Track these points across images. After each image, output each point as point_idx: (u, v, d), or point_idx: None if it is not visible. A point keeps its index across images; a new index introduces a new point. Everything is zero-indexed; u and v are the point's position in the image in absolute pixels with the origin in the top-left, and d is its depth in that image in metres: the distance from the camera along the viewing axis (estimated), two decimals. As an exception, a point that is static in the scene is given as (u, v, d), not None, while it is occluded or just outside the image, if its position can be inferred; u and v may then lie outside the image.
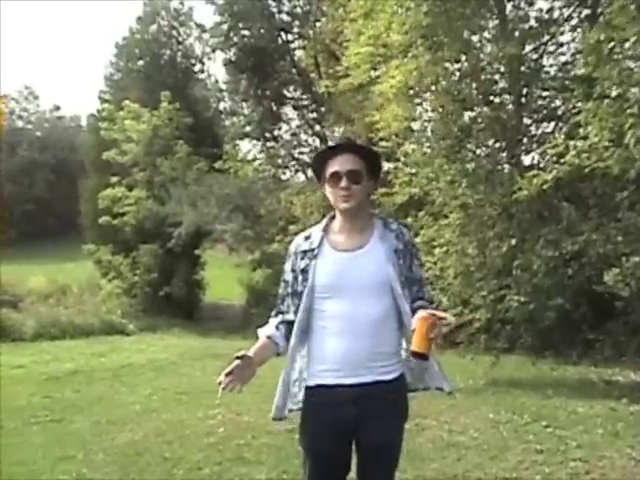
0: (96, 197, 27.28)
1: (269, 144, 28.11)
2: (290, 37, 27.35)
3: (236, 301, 29.11)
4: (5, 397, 10.30)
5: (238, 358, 3.20)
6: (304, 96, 27.81)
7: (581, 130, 9.46)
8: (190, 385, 11.08)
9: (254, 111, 27.53)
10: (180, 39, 33.37)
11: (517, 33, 12.19)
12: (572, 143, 9.39)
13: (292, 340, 3.43)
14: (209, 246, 28.18)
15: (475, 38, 12.72)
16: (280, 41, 26.83)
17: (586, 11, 12.55)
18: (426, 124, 13.89)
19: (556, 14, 12.87)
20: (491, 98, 12.76)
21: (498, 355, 11.28)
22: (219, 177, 25.04)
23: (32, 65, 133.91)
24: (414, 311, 3.32)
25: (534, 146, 12.97)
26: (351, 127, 20.26)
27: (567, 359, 11.83)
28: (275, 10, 26.48)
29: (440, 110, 12.77)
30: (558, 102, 12.90)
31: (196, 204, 24.02)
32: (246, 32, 26.16)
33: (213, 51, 28.84)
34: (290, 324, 3.46)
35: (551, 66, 13.12)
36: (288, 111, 28.68)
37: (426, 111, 14.01)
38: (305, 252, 3.46)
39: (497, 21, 12.60)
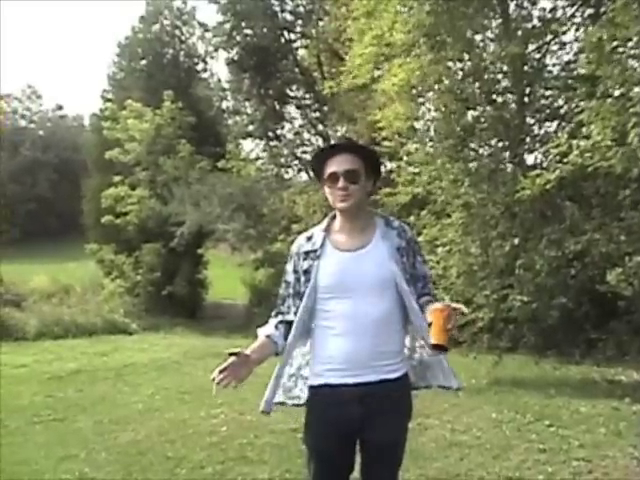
0: (99, 196, 27.23)
1: (272, 143, 28.07)
2: (293, 36, 27.31)
3: (239, 300, 29.12)
4: (8, 396, 10.32)
5: (232, 355, 3.20)
6: (307, 95, 27.79)
7: (584, 129, 9.46)
8: (193, 384, 11.07)
9: (257, 110, 27.51)
10: (183, 38, 33.35)
11: (520, 32, 12.16)
12: (575, 142, 9.38)
13: (290, 338, 3.43)
14: (212, 245, 28.16)
15: (478, 37, 12.71)
16: (283, 40, 26.79)
17: (589, 10, 12.52)
18: (429, 123, 13.88)
19: (559, 13, 12.84)
20: (494, 97, 12.75)
21: (501, 354, 11.27)
22: (222, 176, 25.00)
23: (35, 64, 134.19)
24: (421, 307, 3.35)
25: (537, 145, 12.95)
26: (354, 126, 20.26)
27: (570, 358, 11.81)
28: (278, 9, 26.45)
29: (443, 109, 12.77)
30: (561, 101, 12.88)
31: (199, 203, 23.99)
32: (249, 31, 26.11)
33: (216, 50, 28.81)
34: (289, 324, 3.46)
35: (554, 65, 13.10)
36: (291, 110, 28.67)
37: (429, 110, 14.04)
38: (307, 253, 3.46)
39: (500, 20, 12.58)
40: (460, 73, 12.72)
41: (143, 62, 32.09)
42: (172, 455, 6.96)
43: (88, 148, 34.60)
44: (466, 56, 12.42)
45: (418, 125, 13.95)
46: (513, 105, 12.77)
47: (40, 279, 27.90)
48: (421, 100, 13.54)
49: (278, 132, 28.15)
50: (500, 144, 12.91)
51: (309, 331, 3.48)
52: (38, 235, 52.17)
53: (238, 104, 29.27)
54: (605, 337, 11.81)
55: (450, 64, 12.38)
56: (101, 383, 11.66)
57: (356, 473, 3.51)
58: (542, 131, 13.22)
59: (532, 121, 13.20)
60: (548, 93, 13.05)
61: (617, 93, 9.30)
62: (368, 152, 3.55)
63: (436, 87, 12.67)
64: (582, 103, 9.99)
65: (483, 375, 10.63)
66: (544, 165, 11.61)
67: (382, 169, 3.76)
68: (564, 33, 12.85)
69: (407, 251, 3.45)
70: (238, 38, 26.18)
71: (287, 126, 28.46)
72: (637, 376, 10.44)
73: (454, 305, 3.15)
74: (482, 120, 12.64)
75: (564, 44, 12.98)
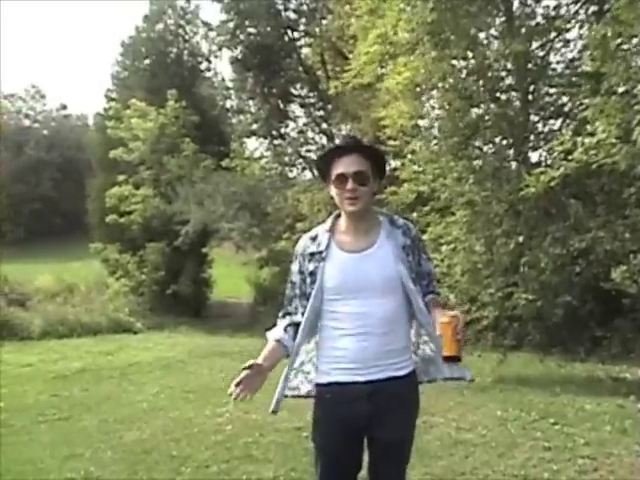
0: (103, 195, 27.25)
1: (276, 142, 28.05)
2: (296, 35, 27.28)
3: (243, 299, 29.13)
4: (13, 395, 10.33)
5: (246, 368, 3.21)
6: (311, 94, 27.76)
7: (588, 126, 9.45)
8: (197, 383, 11.09)
9: (261, 109, 27.49)
10: (186, 37, 33.32)
11: (524, 30, 12.17)
12: (579, 140, 9.37)
13: (298, 339, 3.43)
14: (216, 244, 28.10)
15: (482, 35, 12.72)
16: (286, 39, 26.76)
17: (593, 7, 12.51)
18: (433, 121, 13.89)
19: (563, 10, 12.84)
20: (498, 95, 12.76)
21: (505, 352, 11.28)
22: (226, 175, 24.99)
23: (39, 64, 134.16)
24: (427, 305, 3.38)
25: (541, 143, 12.95)
26: (358, 125, 20.26)
27: (575, 356, 11.81)
28: (281, 8, 26.41)
29: (447, 107, 12.78)
30: (565, 99, 12.89)
31: (203, 202, 23.98)
32: (252, 30, 26.10)
33: (219, 49, 28.77)
34: (298, 325, 3.46)
35: (558, 63, 13.12)
36: (295, 109, 28.63)
37: (433, 108, 14.04)
38: (313, 254, 3.45)
39: (504, 18, 12.58)
40: (464, 71, 12.71)
41: (147, 61, 32.07)
42: (177, 454, 6.97)
43: (92, 147, 34.62)
44: (470, 54, 12.42)
45: (422, 123, 13.96)
46: (517, 103, 12.77)
47: (45, 278, 27.87)
48: (425, 98, 13.53)
49: (282, 131, 28.13)
50: (504, 142, 12.91)
51: (315, 330, 3.48)
52: (42, 234, 52.13)
53: (242, 103, 29.25)
54: (610, 335, 11.80)
55: (454, 62, 12.39)
56: (106, 382, 11.66)
57: (363, 471, 3.51)
58: (546, 129, 13.24)
59: (536, 119, 13.22)
60: (552, 91, 13.06)
61: (622, 90, 9.30)
62: (375, 152, 3.53)
63: (440, 85, 12.67)
64: (586, 100, 10.00)
65: (488, 373, 10.63)
66: (548, 163, 11.61)
67: (387, 168, 3.74)
68: (568, 30, 12.86)
69: (412, 249, 3.45)
70: (242, 37, 26.17)
71: (291, 125, 28.45)
72: (642, 374, 10.44)
73: (457, 314, 3.17)
74: (486, 118, 12.64)
75: (568, 41, 13.00)
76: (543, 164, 11.76)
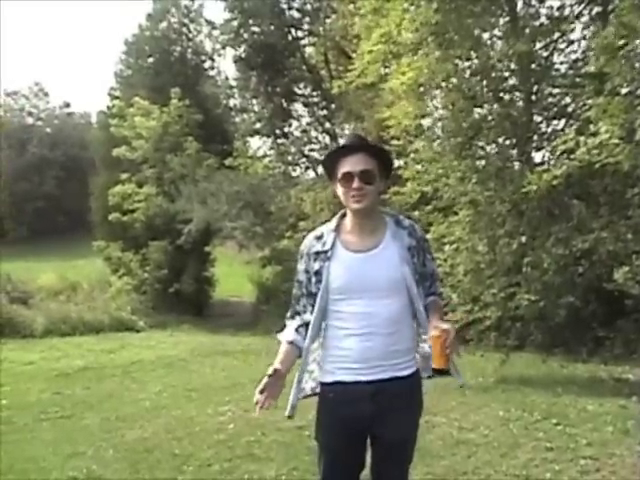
0: (106, 194, 27.28)
1: (279, 141, 28.03)
2: (300, 34, 27.29)
3: (246, 298, 29.13)
4: (15, 393, 10.36)
5: (270, 376, 3.22)
6: (314, 93, 27.75)
7: (591, 126, 9.45)
8: (200, 382, 11.11)
9: (264, 108, 27.47)
10: (190, 36, 33.34)
11: (527, 30, 12.15)
12: (582, 139, 9.37)
13: (307, 341, 3.44)
14: (219, 243, 28.11)
15: (486, 35, 12.70)
16: (290, 38, 26.76)
17: (597, 8, 12.51)
18: (436, 121, 13.87)
19: (567, 11, 12.83)
20: (501, 95, 12.74)
21: (508, 352, 11.27)
22: (229, 174, 24.99)
23: (42, 62, 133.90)
24: (426, 307, 3.40)
25: (544, 143, 12.94)
26: (361, 124, 20.27)
27: (577, 357, 11.82)
28: (285, 7, 26.43)
29: (450, 107, 12.76)
30: (568, 99, 12.87)
31: (206, 201, 23.99)
32: (256, 29, 26.11)
33: (223, 48, 28.82)
34: (308, 325, 3.46)
35: (561, 63, 13.11)
36: (298, 108, 28.59)
37: (436, 108, 14.02)
38: (318, 253, 3.44)
39: (507, 18, 12.57)
40: (468, 71, 12.70)
41: (150, 60, 32.07)
42: (179, 452, 6.98)
43: (95, 146, 34.61)
44: (474, 54, 12.41)
45: (425, 123, 13.95)
46: (520, 103, 12.76)
47: (47, 277, 27.93)
48: (428, 98, 13.52)
49: (285, 130, 28.11)
50: (507, 142, 12.89)
51: (320, 330, 3.48)
52: (45, 233, 52.08)
53: (245, 102, 29.25)
54: (612, 335, 11.80)
55: (458, 62, 12.37)
56: (108, 380, 11.69)
57: (367, 471, 3.52)
58: (549, 129, 13.22)
59: (539, 119, 13.20)
60: (556, 91, 13.05)
61: (625, 90, 9.30)
62: (381, 151, 3.54)
63: (444, 85, 12.66)
64: (590, 101, 9.99)
65: (490, 373, 10.64)
66: (551, 163, 11.60)
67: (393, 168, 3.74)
68: (572, 31, 12.86)
69: (417, 250, 3.45)
70: (245, 36, 26.19)
71: (294, 124, 28.41)
72: (644, 374, 10.43)
73: (449, 328, 3.18)
74: (489, 118, 12.62)
75: (572, 42, 12.98)
76: (547, 164, 11.75)
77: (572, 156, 9.62)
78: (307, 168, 27.90)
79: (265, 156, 28.65)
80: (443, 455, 6.53)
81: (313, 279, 3.44)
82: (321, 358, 3.50)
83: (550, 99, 13.04)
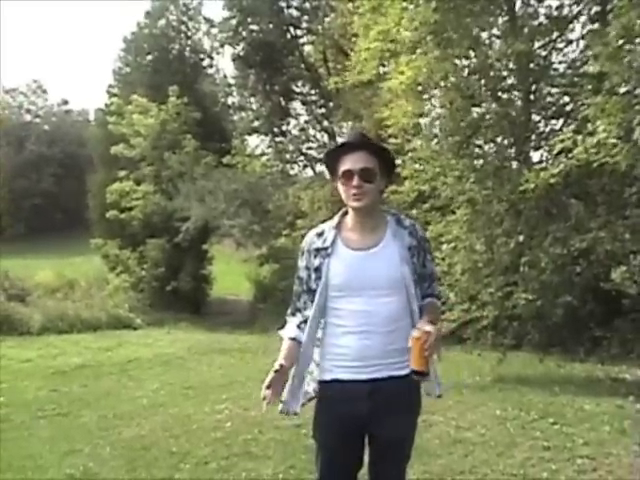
0: (104, 191, 27.28)
1: (277, 139, 28.06)
2: (299, 32, 27.33)
3: (243, 296, 29.14)
4: (12, 391, 10.35)
5: (276, 371, 3.25)
6: (312, 91, 27.79)
7: (589, 126, 9.45)
8: (197, 380, 11.10)
9: (262, 106, 27.50)
10: (189, 34, 33.32)
11: (526, 30, 12.16)
12: (580, 138, 9.37)
13: (305, 338, 3.44)
14: (216, 241, 28.06)
15: (484, 35, 12.71)
16: (289, 36, 26.79)
17: (596, 8, 12.50)
18: (434, 120, 13.87)
19: (565, 11, 12.83)
20: (500, 94, 12.74)
21: (505, 352, 11.27)
22: (227, 172, 24.99)
23: (40, 59, 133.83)
24: (420, 308, 3.39)
25: (542, 143, 12.94)
26: (359, 123, 20.27)
27: (574, 356, 11.83)
28: (284, 5, 26.46)
29: (448, 106, 12.76)
30: (567, 99, 12.87)
31: (204, 199, 23.98)
32: (255, 27, 26.15)
33: (222, 46, 28.84)
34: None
35: (560, 63, 13.11)
36: (296, 106, 28.67)
37: (434, 107, 14.02)
38: (318, 250, 3.45)
39: (506, 18, 12.57)
40: (466, 70, 12.71)
41: (149, 57, 32.05)
42: (176, 450, 6.97)
43: (93, 143, 34.57)
44: (472, 53, 12.43)
45: (423, 121, 13.95)
46: (519, 102, 12.77)
47: (45, 274, 27.90)
48: (427, 97, 13.52)
49: (283, 128, 28.15)
50: (505, 141, 12.90)
51: (318, 327, 3.48)
52: (43, 230, 52.06)
53: (244, 100, 29.28)
54: (610, 335, 11.82)
55: (456, 61, 12.37)
56: (105, 378, 11.68)
57: (364, 469, 3.52)
58: (548, 128, 13.21)
59: (538, 118, 13.21)
60: (554, 90, 13.06)
61: (623, 90, 9.30)
62: (382, 149, 3.53)
63: (442, 84, 12.65)
64: (588, 100, 9.98)
65: (487, 372, 10.64)
66: (549, 162, 11.60)
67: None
68: (571, 31, 12.86)
69: (418, 250, 3.45)
70: (244, 34, 26.22)
71: (292, 122, 28.48)
72: (642, 374, 10.44)
73: (431, 330, 3.18)
74: (488, 117, 12.62)
75: (570, 42, 12.98)
76: (544, 163, 11.76)
77: (570, 155, 9.62)
78: (305, 166, 27.99)
79: (263, 154, 28.68)
80: (440, 454, 6.53)
81: (313, 276, 3.44)
82: (319, 356, 3.50)
83: (548, 98, 13.05)
